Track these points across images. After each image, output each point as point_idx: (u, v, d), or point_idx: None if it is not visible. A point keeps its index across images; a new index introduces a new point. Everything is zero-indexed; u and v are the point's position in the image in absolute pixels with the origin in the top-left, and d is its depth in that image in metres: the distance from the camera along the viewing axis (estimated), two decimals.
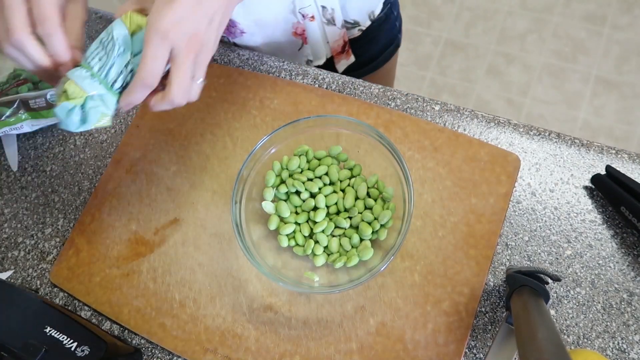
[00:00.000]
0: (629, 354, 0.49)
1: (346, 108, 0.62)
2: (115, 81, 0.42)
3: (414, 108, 0.61)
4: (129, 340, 0.56)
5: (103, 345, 0.47)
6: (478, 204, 0.55)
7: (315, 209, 0.55)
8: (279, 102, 0.63)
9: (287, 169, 0.56)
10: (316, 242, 0.54)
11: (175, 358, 0.54)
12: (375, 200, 0.55)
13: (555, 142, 0.58)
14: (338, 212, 0.55)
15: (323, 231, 0.54)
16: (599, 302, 0.51)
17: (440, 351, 0.50)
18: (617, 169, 0.54)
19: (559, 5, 1.80)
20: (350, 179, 0.57)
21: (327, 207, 0.55)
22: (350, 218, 0.55)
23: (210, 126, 0.64)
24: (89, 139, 0.67)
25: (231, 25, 0.67)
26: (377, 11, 0.74)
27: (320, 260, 0.53)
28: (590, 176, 0.56)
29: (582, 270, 0.52)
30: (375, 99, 0.63)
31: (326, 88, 0.64)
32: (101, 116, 0.42)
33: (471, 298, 0.51)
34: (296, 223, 0.55)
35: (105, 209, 0.61)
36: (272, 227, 0.55)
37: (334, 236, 0.54)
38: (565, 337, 0.50)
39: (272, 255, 0.55)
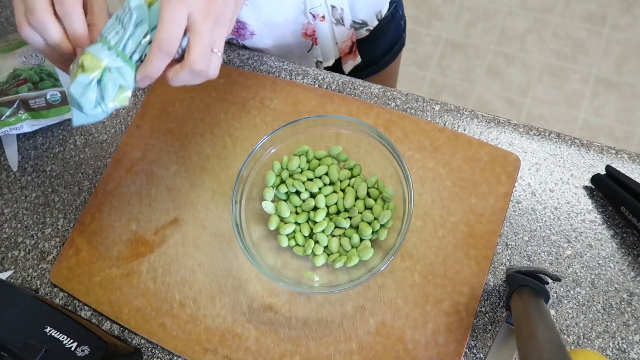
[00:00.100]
0: (629, 354, 0.49)
1: (346, 108, 0.62)
2: (133, 52, 0.39)
3: (414, 108, 0.61)
4: (129, 340, 0.56)
5: (103, 345, 0.47)
6: (478, 204, 0.55)
7: (315, 209, 0.55)
8: (279, 102, 0.63)
9: (287, 169, 0.56)
10: (316, 242, 0.54)
11: (175, 358, 0.54)
12: (375, 200, 0.55)
13: (555, 142, 0.58)
14: (338, 212, 0.55)
15: (323, 231, 0.54)
16: (599, 302, 0.51)
17: (440, 351, 0.50)
18: (617, 169, 0.54)
19: (559, 5, 1.80)
20: (350, 179, 0.57)
21: (327, 207, 0.55)
22: (350, 218, 0.55)
23: (210, 126, 0.64)
24: (89, 139, 0.67)
25: (241, 27, 0.67)
26: (385, 11, 0.74)
27: (320, 260, 0.53)
28: (590, 176, 0.56)
29: (582, 270, 0.52)
30: (375, 99, 0.63)
31: (326, 88, 0.64)
32: (120, 91, 0.39)
33: (471, 298, 0.51)
34: (296, 223, 0.55)
35: (105, 209, 0.61)
36: (272, 227, 0.55)
37: (334, 236, 0.54)
38: (565, 337, 0.50)
39: (272, 255, 0.55)
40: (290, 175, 0.56)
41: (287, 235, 0.54)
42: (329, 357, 0.51)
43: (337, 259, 0.53)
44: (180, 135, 0.64)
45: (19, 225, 0.63)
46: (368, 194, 0.55)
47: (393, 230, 0.53)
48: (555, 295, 0.51)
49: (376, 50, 0.80)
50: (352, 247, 0.54)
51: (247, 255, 0.51)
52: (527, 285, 0.46)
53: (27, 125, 0.65)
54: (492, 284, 0.53)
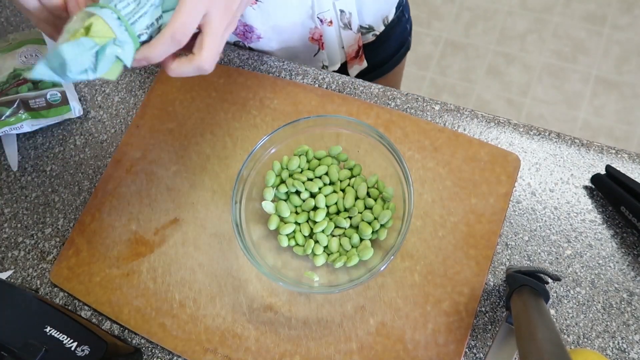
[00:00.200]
0: (629, 354, 0.49)
1: (346, 108, 0.62)
2: (142, 32, 0.38)
3: (414, 108, 0.61)
4: (129, 340, 0.56)
5: (103, 345, 0.47)
6: (478, 204, 0.55)
7: (315, 208, 0.55)
8: (279, 102, 0.63)
9: (287, 169, 0.56)
10: (316, 242, 0.54)
11: (175, 358, 0.54)
12: (375, 200, 0.55)
13: (555, 142, 0.58)
14: (338, 212, 0.55)
15: (323, 231, 0.54)
16: (599, 302, 0.51)
17: (440, 351, 0.50)
18: (617, 169, 0.54)
19: (559, 5, 1.80)
20: (350, 179, 0.57)
21: (327, 207, 0.55)
22: (350, 218, 0.55)
23: (210, 126, 0.64)
24: (89, 139, 0.67)
25: (248, 31, 0.67)
26: (391, 16, 0.74)
27: (320, 260, 0.53)
28: (590, 176, 0.56)
29: (582, 270, 0.52)
30: (375, 99, 0.63)
31: (326, 88, 0.64)
32: (114, 66, 0.37)
33: (471, 298, 0.51)
34: (296, 223, 0.55)
35: (105, 209, 0.61)
36: (272, 227, 0.55)
37: (334, 236, 0.54)
38: (565, 337, 0.50)
39: (272, 255, 0.55)
40: (290, 175, 0.56)
41: (287, 235, 0.54)
42: (329, 357, 0.51)
43: (337, 259, 0.53)
44: (180, 135, 0.64)
45: (19, 225, 0.63)
46: (368, 194, 0.55)
47: (393, 230, 0.53)
48: (555, 295, 0.51)
49: (382, 54, 0.80)
50: (352, 247, 0.54)
51: (247, 255, 0.51)
52: (527, 285, 0.46)
53: (27, 125, 0.65)
54: (492, 284, 0.53)
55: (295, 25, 0.67)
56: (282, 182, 0.57)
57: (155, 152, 0.63)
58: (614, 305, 0.50)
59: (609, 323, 0.50)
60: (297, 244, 0.55)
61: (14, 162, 0.67)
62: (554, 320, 0.51)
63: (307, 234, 0.54)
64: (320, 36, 0.68)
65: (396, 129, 0.59)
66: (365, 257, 0.52)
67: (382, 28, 0.74)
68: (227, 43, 0.72)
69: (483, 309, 0.52)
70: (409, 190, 0.51)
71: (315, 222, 0.54)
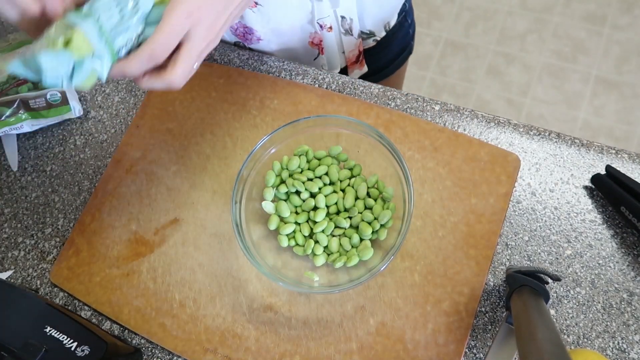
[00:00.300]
0: (629, 354, 0.49)
1: (346, 108, 0.62)
2: (121, 47, 0.38)
3: (414, 108, 0.61)
4: (129, 340, 0.56)
5: (103, 345, 0.47)
6: (478, 204, 0.55)
7: (315, 209, 0.55)
8: (279, 102, 0.63)
9: (287, 169, 0.56)
10: (316, 242, 0.54)
11: (175, 358, 0.54)
12: (375, 200, 0.55)
13: (555, 142, 0.58)
14: (338, 212, 0.55)
15: (323, 231, 0.54)
16: (599, 302, 0.51)
17: (440, 351, 0.50)
18: (617, 169, 0.54)
19: (559, 5, 1.80)
20: (350, 179, 0.57)
21: (327, 207, 0.55)
22: (350, 218, 0.55)
23: (210, 126, 0.64)
24: (89, 139, 0.67)
25: (248, 32, 0.67)
26: (393, 22, 0.74)
27: (320, 260, 0.53)
28: (590, 176, 0.56)
29: (582, 270, 0.52)
30: (375, 99, 0.63)
31: (326, 88, 0.64)
32: (89, 78, 0.37)
33: (471, 298, 0.51)
34: (296, 223, 0.55)
35: (105, 209, 0.61)
36: (272, 227, 0.55)
37: (334, 236, 0.54)
38: (565, 337, 0.50)
39: (272, 255, 0.55)
40: (290, 175, 0.56)
41: (287, 235, 0.54)
42: (329, 357, 0.51)
43: (337, 259, 0.53)
44: (180, 135, 0.64)
45: (19, 225, 0.63)
46: (368, 194, 0.55)
47: (393, 230, 0.53)
48: (555, 295, 0.51)
49: (383, 58, 0.79)
50: (352, 247, 0.54)
51: (247, 255, 0.51)
52: (527, 285, 0.46)
53: (27, 125, 0.65)
54: (492, 284, 0.53)
55: (294, 29, 0.67)
56: (282, 182, 0.57)
57: (155, 152, 0.63)
58: (614, 306, 0.50)
59: (609, 323, 0.50)
60: (297, 244, 0.55)
61: (14, 162, 0.67)
62: (554, 320, 0.51)
63: (307, 234, 0.54)
64: (320, 41, 0.68)
65: (396, 129, 0.59)
66: (365, 257, 0.52)
67: (383, 34, 0.74)
68: (227, 43, 0.72)
69: (483, 309, 0.52)
70: (409, 190, 0.51)
71: (315, 222, 0.54)
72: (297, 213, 0.56)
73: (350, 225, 0.54)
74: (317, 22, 0.65)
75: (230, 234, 0.58)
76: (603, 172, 0.55)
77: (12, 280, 0.60)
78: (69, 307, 0.58)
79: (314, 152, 0.58)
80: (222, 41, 0.72)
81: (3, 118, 0.63)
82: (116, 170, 0.63)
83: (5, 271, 0.61)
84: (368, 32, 0.72)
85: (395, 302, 0.52)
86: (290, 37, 0.68)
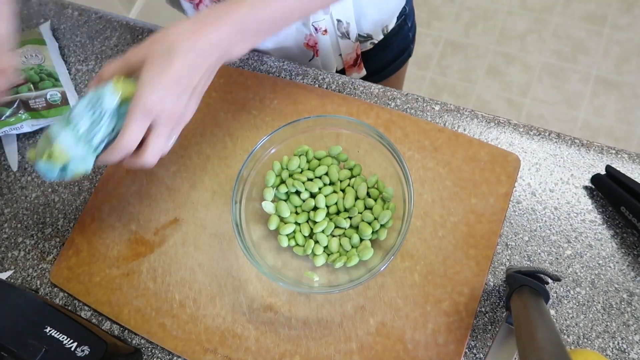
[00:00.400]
0: (629, 354, 0.49)
1: (346, 108, 0.62)
2: (101, 142, 0.46)
3: (414, 108, 0.61)
4: (129, 340, 0.56)
5: (103, 345, 0.47)
6: (478, 204, 0.55)
7: (315, 209, 0.55)
8: (279, 102, 0.63)
9: (287, 169, 0.56)
10: (316, 242, 0.54)
11: (175, 358, 0.54)
12: (375, 200, 0.55)
13: (555, 142, 0.58)
14: (338, 212, 0.55)
15: (323, 231, 0.54)
16: (599, 302, 0.51)
17: (440, 351, 0.50)
18: (617, 169, 0.54)
19: (559, 5, 1.80)
20: (350, 179, 0.57)
21: (327, 207, 0.55)
22: (350, 218, 0.55)
23: (210, 126, 0.64)
24: None
25: None
26: (391, 25, 0.74)
27: (320, 260, 0.53)
28: (590, 176, 0.56)
29: (582, 270, 0.52)
30: (375, 99, 0.63)
31: (326, 88, 0.64)
32: (79, 172, 0.47)
33: (471, 298, 0.51)
34: (296, 223, 0.55)
35: (105, 209, 0.61)
36: (272, 227, 0.55)
37: (334, 236, 0.54)
38: (565, 337, 0.50)
39: (272, 255, 0.55)
40: (290, 175, 0.56)
41: (287, 235, 0.54)
42: (329, 357, 0.51)
43: (337, 259, 0.53)
44: (180, 135, 0.64)
45: (19, 225, 0.63)
46: (368, 194, 0.55)
47: (393, 230, 0.53)
48: (555, 295, 0.51)
49: (380, 61, 0.79)
50: (352, 247, 0.54)
51: (247, 255, 0.51)
52: (527, 285, 0.46)
53: (27, 125, 0.65)
54: (492, 284, 0.53)
55: (289, 30, 0.67)
56: (282, 182, 0.57)
57: None
58: (614, 306, 0.50)
59: (609, 323, 0.50)
60: (297, 244, 0.55)
61: (14, 162, 0.67)
62: (554, 320, 0.51)
63: (307, 234, 0.54)
64: (315, 43, 0.68)
65: (396, 129, 0.59)
66: (365, 257, 0.52)
67: (381, 37, 0.74)
68: None
69: (483, 309, 0.52)
70: (409, 190, 0.51)
71: (315, 222, 0.54)
72: (297, 213, 0.56)
73: (350, 226, 0.54)
74: (312, 25, 0.65)
75: (230, 234, 0.58)
76: (603, 172, 0.55)
77: (12, 280, 0.60)
78: (69, 307, 0.58)
79: (314, 152, 0.58)
80: None
81: (3, 118, 0.63)
82: (116, 170, 0.63)
83: (5, 271, 0.61)
84: (366, 35, 0.72)
85: (395, 302, 0.52)
86: (285, 36, 0.68)
